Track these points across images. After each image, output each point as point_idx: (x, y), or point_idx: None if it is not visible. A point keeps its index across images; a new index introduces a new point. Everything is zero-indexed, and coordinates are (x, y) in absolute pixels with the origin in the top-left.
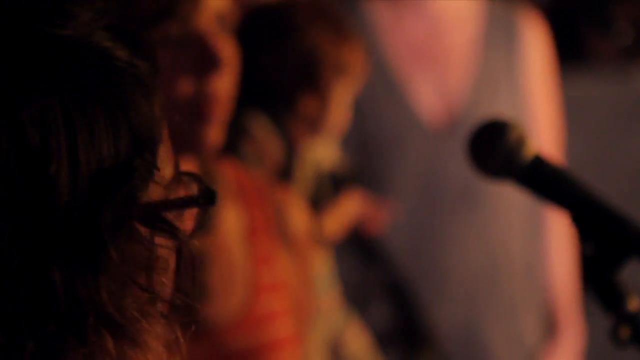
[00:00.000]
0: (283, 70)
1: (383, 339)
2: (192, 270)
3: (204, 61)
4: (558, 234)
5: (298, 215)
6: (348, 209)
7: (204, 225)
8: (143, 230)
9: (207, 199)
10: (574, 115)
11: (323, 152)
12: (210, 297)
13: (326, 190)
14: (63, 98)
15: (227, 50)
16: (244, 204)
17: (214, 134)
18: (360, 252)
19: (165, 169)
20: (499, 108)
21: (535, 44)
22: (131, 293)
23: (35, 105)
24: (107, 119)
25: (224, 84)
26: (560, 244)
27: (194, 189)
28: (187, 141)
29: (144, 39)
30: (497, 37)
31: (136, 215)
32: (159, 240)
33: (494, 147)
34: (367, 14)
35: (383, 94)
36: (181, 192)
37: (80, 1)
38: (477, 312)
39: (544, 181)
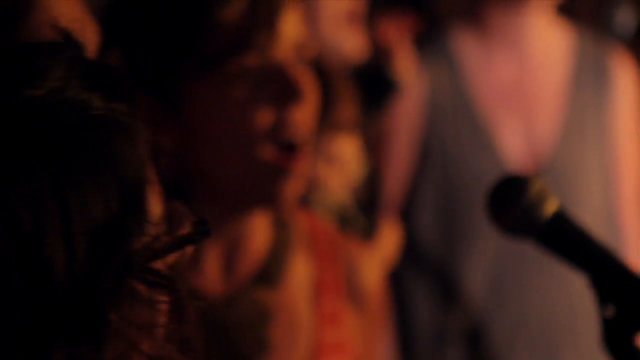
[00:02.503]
0: None
1: None
2: (193, 320)
3: (283, 92)
4: None
5: (370, 274)
6: (391, 241)
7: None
8: (141, 288)
9: (201, 234)
10: None
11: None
12: (270, 352)
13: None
14: (50, 171)
15: (306, 81)
16: (315, 258)
17: (293, 188)
18: (440, 296)
19: (155, 209)
20: (585, 153)
21: (625, 85)
22: (135, 356)
23: (24, 185)
24: (96, 181)
25: (304, 116)
26: None
27: (185, 223)
28: (264, 195)
29: (118, 75)
30: (587, 77)
31: (133, 275)
32: (157, 295)
33: (512, 203)
34: (457, 52)
35: (469, 136)
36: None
37: (52, 53)
38: None
39: (563, 240)
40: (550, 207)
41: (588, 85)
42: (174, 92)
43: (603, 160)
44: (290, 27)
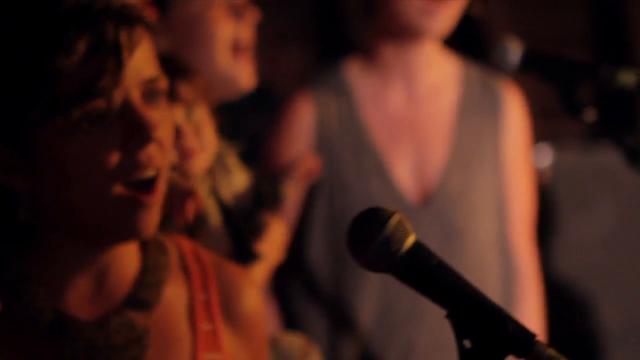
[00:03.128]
0: None
1: None
2: None
3: (130, 133)
4: (529, 305)
5: (249, 298)
6: (278, 233)
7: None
8: None
9: None
10: None
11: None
12: None
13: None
14: None
15: (154, 118)
16: (188, 282)
17: (149, 219)
18: (333, 326)
19: None
20: (477, 180)
21: (514, 114)
22: None
23: None
24: None
25: (153, 152)
26: (531, 317)
27: None
28: (121, 229)
29: None
30: (476, 106)
31: None
32: None
33: (369, 239)
34: (349, 83)
35: (361, 165)
36: None
37: None
38: None
39: (419, 275)
40: (408, 242)
41: (477, 115)
42: (23, 137)
43: (497, 187)
44: (137, 66)
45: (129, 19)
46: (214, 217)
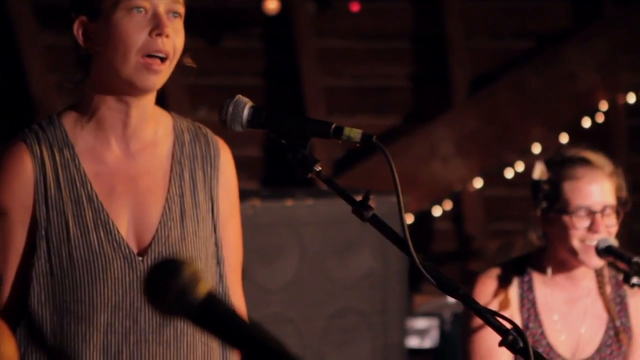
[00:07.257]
0: None
1: None
2: None
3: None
4: None
5: None
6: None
7: None
8: None
9: None
10: None
11: None
12: None
13: None
14: None
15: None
16: None
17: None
18: None
19: None
20: (190, 227)
21: (226, 162)
22: None
23: None
24: None
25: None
26: None
27: None
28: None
29: None
30: (190, 154)
31: None
32: None
33: (167, 286)
34: (67, 132)
35: (84, 215)
36: None
37: None
38: None
39: (214, 320)
40: (202, 290)
41: (190, 164)
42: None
43: (213, 233)
44: None
45: None
46: None
